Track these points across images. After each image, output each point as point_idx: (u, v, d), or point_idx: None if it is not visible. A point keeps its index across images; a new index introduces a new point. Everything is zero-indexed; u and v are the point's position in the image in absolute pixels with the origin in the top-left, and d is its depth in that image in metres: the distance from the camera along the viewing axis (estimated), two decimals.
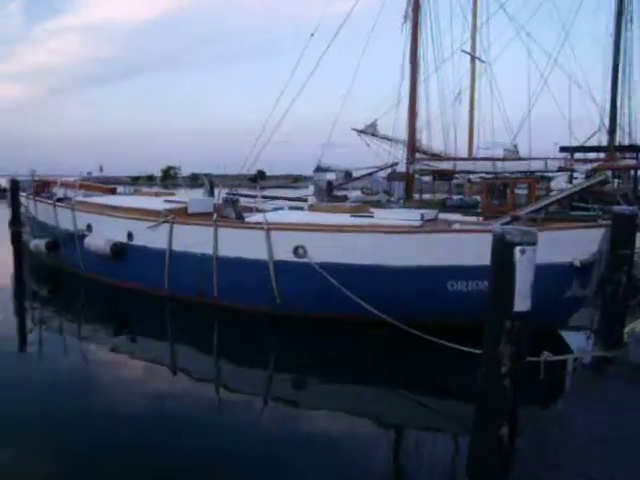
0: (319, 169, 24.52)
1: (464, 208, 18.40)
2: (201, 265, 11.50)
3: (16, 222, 15.37)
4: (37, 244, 16.21)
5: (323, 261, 10.14)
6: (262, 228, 10.74)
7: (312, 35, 19.82)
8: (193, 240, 11.74)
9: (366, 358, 9.12)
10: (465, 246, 9.45)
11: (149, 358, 9.22)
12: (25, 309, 12.83)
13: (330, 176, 24.96)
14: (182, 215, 12.76)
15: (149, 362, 9.08)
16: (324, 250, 10.20)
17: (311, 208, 12.74)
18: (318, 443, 6.30)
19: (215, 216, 11.47)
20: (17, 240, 15.29)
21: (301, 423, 6.97)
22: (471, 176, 23.21)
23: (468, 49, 26.90)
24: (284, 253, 10.57)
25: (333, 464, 5.77)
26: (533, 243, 4.11)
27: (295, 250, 10.44)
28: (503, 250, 4.08)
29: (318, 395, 8.02)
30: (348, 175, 24.09)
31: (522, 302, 4.02)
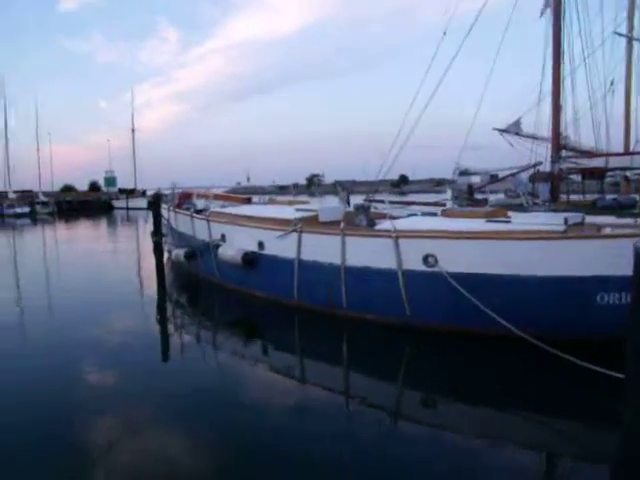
0: (463, 172, 23.50)
1: (619, 209, 16.59)
2: (329, 275, 11.17)
3: (157, 233, 15.95)
4: (177, 254, 16.87)
5: (455, 271, 9.40)
6: (390, 236, 10.19)
7: (444, 34, 19.02)
8: (321, 249, 11.44)
9: (499, 377, 8.32)
10: (617, 253, 8.31)
11: (279, 368, 9.09)
12: (165, 316, 13.35)
13: (475, 179, 23.84)
14: (312, 224, 12.51)
15: (279, 373, 8.93)
16: (456, 259, 9.45)
17: (444, 214, 11.97)
18: (444, 465, 5.83)
19: (342, 224, 11.08)
20: (158, 250, 15.86)
21: (429, 442, 6.49)
22: (628, 173, 21.10)
23: (624, 31, 24.38)
24: (414, 262, 9.95)
25: None
26: None
27: (425, 259, 9.78)
28: None
29: (446, 414, 7.43)
30: (494, 178, 22.89)
31: None
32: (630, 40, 24.85)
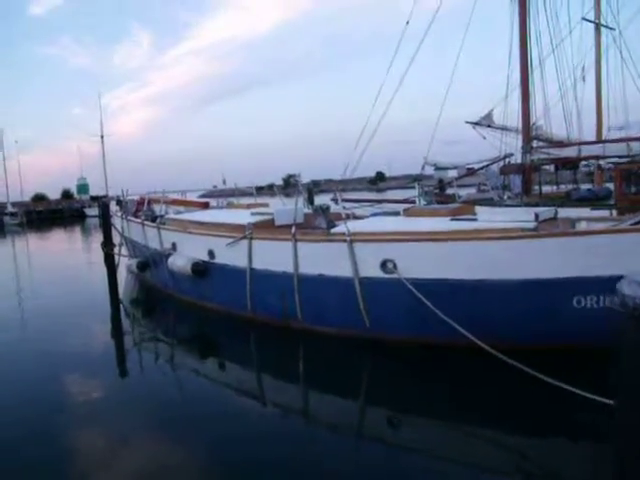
0: (438, 167, 22.80)
1: (593, 200, 15.86)
2: (282, 285, 10.20)
3: (107, 243, 14.94)
4: (130, 264, 15.96)
5: (415, 277, 8.47)
6: (344, 240, 9.25)
7: (407, 23, 18.27)
8: (273, 257, 10.47)
9: (465, 393, 7.47)
10: (593, 251, 7.47)
11: (236, 386, 8.51)
12: (119, 332, 12.37)
13: (452, 173, 23.15)
14: (267, 229, 11.55)
15: (236, 391, 8.35)
16: (416, 263, 8.52)
17: (406, 213, 11.04)
18: None
19: (293, 229, 10.10)
20: (110, 261, 14.86)
21: (396, 462, 5.85)
22: (601, 162, 20.43)
23: (592, 17, 23.71)
24: (371, 268, 9.00)
25: None
26: None
27: (383, 264, 8.84)
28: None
29: (410, 433, 6.75)
30: (469, 171, 22.21)
31: None
32: (598, 26, 24.24)
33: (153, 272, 15.04)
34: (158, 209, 17.19)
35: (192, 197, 21.61)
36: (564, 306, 7.71)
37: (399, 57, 17.50)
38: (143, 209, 17.27)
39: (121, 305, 14.48)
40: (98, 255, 20.02)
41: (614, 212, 13.44)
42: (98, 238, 40.92)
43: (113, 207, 18.88)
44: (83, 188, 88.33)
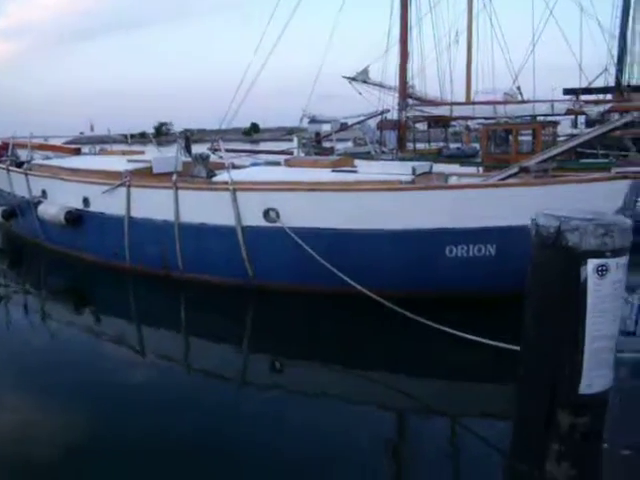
0: (312, 120, 23.05)
1: (462, 158, 16.82)
2: (162, 234, 10.03)
3: None
4: None
5: (297, 226, 8.66)
6: (227, 189, 9.24)
7: None
8: (153, 205, 10.24)
9: (346, 338, 7.81)
10: (465, 204, 8.00)
11: (113, 338, 8.21)
12: None
13: (326, 127, 23.51)
14: (145, 176, 11.23)
15: (115, 343, 8.06)
16: (299, 213, 8.70)
17: (287, 163, 11.18)
18: (297, 428, 5.50)
19: (174, 176, 9.93)
20: None
21: (278, 406, 6.02)
22: (469, 122, 21.60)
23: None
24: (254, 217, 9.08)
25: (317, 451, 5.05)
26: (623, 250, 2.05)
27: (266, 213, 8.94)
28: (557, 266, 1.94)
29: (297, 378, 6.96)
30: (344, 126, 22.67)
31: (598, 375, 2.08)
32: None
33: (20, 221, 14.20)
34: (24, 154, 16.09)
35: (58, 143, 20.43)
36: (437, 255, 8.22)
37: (281, 8, 17.46)
38: (6, 154, 16.11)
39: None
40: None
41: (480, 169, 14.34)
42: None
43: None
44: None
